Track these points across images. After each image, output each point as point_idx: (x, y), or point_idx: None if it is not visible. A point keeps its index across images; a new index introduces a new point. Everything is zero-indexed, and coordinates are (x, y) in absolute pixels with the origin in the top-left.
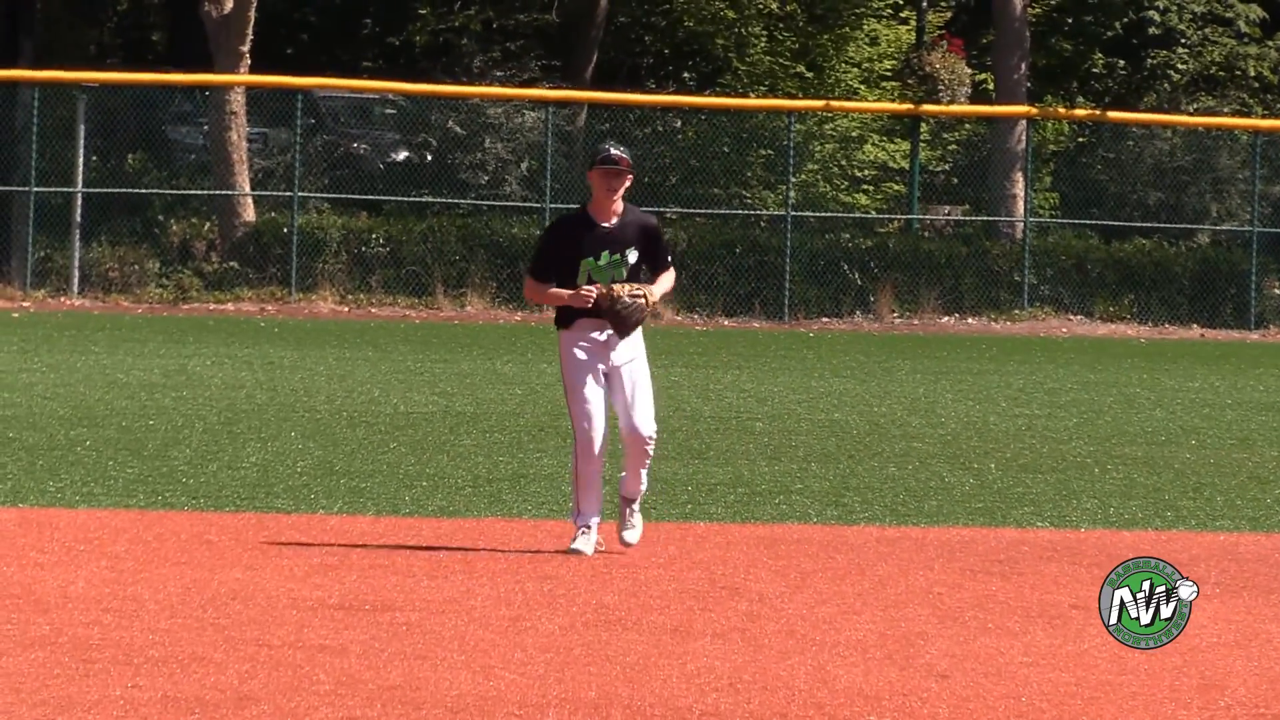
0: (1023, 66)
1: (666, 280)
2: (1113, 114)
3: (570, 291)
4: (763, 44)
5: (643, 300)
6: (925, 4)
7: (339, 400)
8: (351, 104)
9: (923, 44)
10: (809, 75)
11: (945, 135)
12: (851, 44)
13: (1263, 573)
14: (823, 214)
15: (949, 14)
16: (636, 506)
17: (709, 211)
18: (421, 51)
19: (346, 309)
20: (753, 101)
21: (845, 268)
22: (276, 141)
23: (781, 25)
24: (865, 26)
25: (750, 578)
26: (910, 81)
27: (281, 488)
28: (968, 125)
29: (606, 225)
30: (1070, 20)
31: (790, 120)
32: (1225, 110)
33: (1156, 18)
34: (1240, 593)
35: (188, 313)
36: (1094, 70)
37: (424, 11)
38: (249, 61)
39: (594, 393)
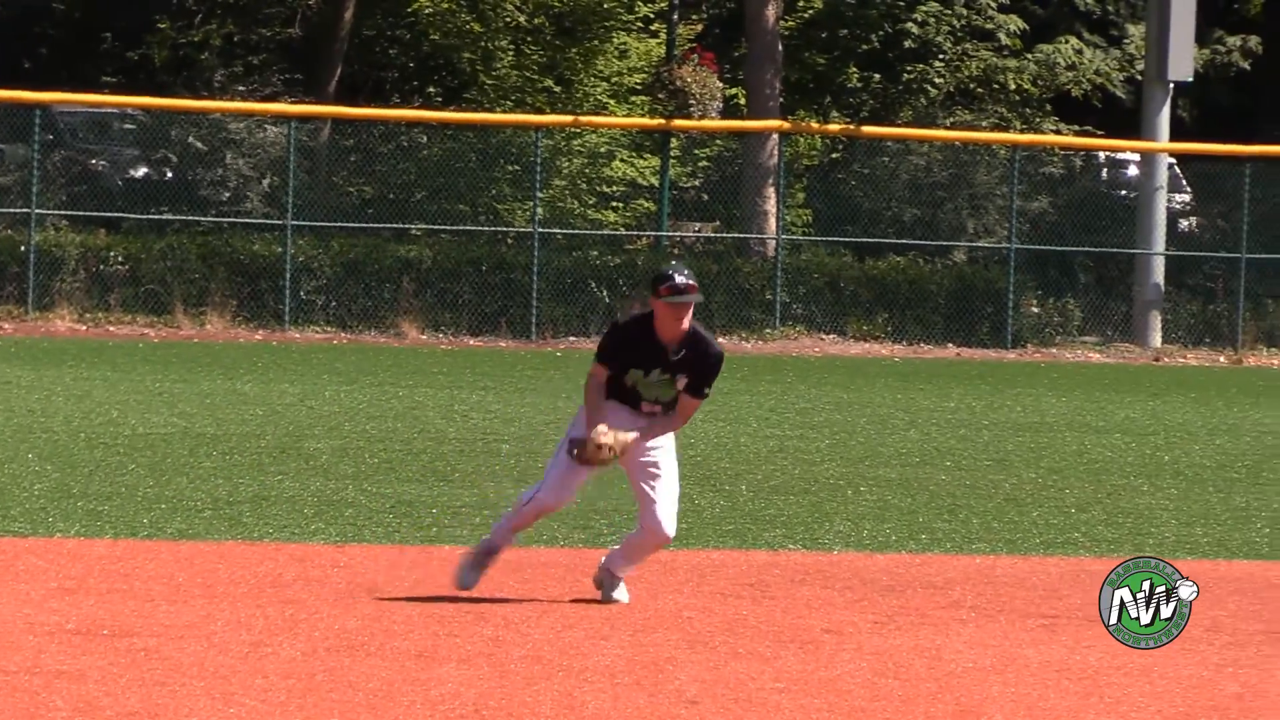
0: (775, 81)
1: (681, 417)
2: (867, 129)
3: (594, 434)
4: (510, 58)
5: (615, 455)
6: (676, 17)
7: (76, 421)
8: (90, 119)
9: (673, 58)
10: (557, 90)
11: (696, 151)
12: (601, 58)
13: (1020, 596)
14: (570, 231)
15: (700, 27)
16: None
17: (455, 228)
18: (162, 66)
19: (84, 328)
20: (499, 116)
21: (593, 285)
22: (13, 158)
23: (529, 39)
24: (615, 40)
25: (496, 602)
26: (660, 96)
27: (17, 510)
28: (719, 140)
29: (670, 347)
30: (824, 34)
31: (538, 135)
32: (983, 125)
33: (914, 30)
34: (997, 617)
35: None
36: (848, 85)
37: (164, 25)
38: None
39: (569, 468)
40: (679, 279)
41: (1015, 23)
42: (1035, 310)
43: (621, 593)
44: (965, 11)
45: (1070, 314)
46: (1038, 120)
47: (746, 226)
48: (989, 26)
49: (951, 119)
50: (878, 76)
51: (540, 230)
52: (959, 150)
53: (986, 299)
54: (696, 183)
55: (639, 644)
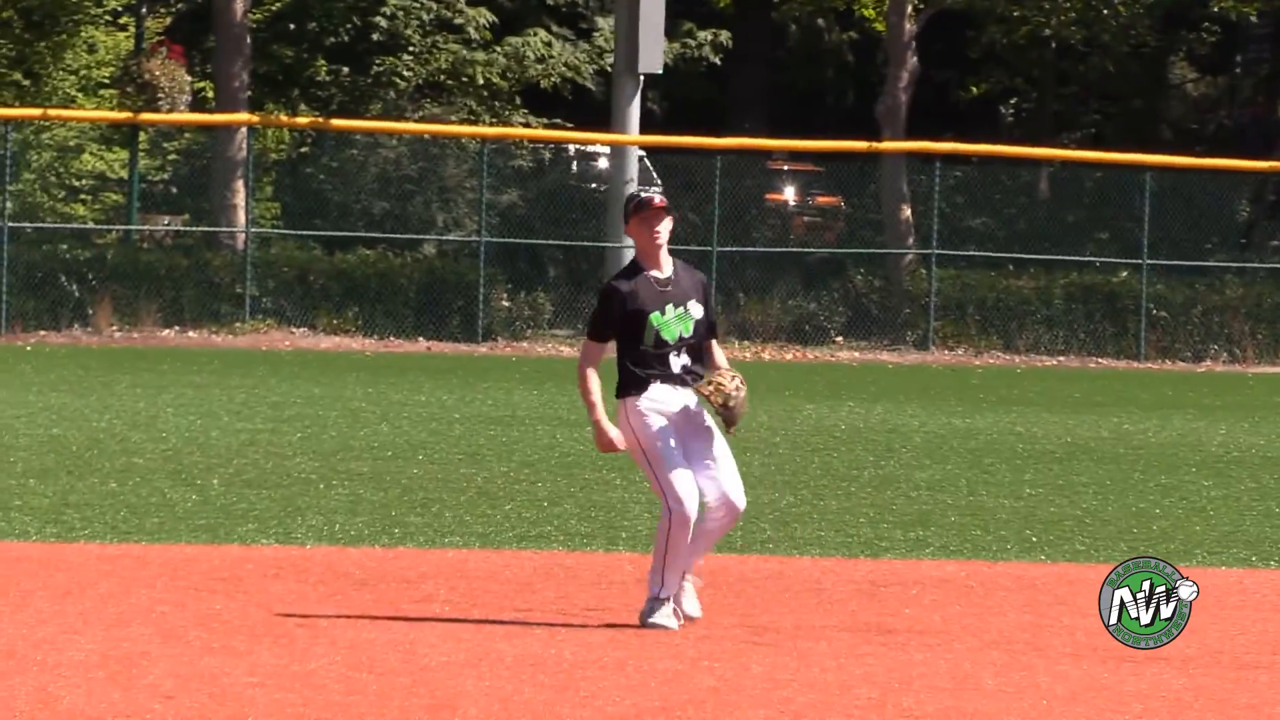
0: (244, 74)
1: (720, 353)
2: (336, 122)
3: (604, 425)
4: None
5: (744, 388)
6: (145, 10)
7: None
8: None
9: (141, 51)
10: (26, 83)
11: (165, 144)
12: (69, 51)
13: (492, 590)
14: (41, 225)
15: (169, 20)
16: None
17: None
18: None
19: None
20: None
21: (64, 279)
22: None
23: None
24: (84, 33)
25: None
26: (129, 90)
27: None
28: (188, 134)
29: (660, 274)
30: (293, 26)
31: (7, 129)
32: (453, 118)
33: (383, 24)
34: (470, 611)
35: None
36: (317, 78)
37: None
38: None
39: (682, 459)
40: (644, 194)
41: (484, 16)
42: (506, 304)
43: (693, 604)
44: (434, 5)
45: (541, 307)
46: (507, 113)
47: (216, 220)
48: (458, 20)
49: (421, 112)
50: (347, 69)
51: (10, 225)
52: (428, 143)
53: (457, 292)
54: (166, 176)
55: (112, 639)
